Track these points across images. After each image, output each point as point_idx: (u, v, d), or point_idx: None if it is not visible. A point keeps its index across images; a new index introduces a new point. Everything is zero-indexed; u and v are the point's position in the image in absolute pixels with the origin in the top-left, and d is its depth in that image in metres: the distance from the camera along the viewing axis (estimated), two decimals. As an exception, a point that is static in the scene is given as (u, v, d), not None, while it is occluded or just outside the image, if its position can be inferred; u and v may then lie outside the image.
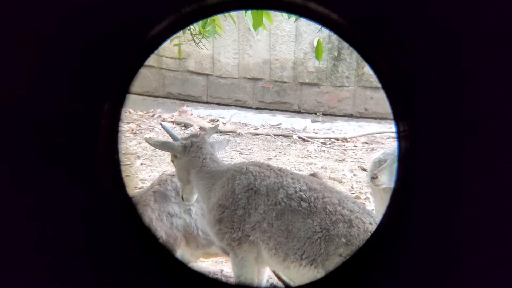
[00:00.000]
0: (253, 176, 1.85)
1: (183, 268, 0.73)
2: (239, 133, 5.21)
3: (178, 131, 5.28)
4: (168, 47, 6.27)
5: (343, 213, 1.66)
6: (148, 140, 2.14)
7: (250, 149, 4.78)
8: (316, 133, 5.38)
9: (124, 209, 0.71)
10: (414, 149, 0.66)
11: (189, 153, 2.02)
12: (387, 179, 2.23)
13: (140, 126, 5.33)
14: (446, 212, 0.67)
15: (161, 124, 2.33)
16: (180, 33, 2.89)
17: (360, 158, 4.63)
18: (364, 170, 4.19)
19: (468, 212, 0.66)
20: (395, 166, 2.31)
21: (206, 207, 2.00)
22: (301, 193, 1.75)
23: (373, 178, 2.25)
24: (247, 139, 5.07)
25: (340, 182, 4.06)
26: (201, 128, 5.32)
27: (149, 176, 3.98)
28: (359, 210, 1.69)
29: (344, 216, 1.65)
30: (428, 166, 0.66)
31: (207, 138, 2.12)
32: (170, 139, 2.19)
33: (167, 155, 4.66)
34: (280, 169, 1.89)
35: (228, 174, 1.91)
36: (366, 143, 5.08)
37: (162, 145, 2.16)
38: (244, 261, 1.82)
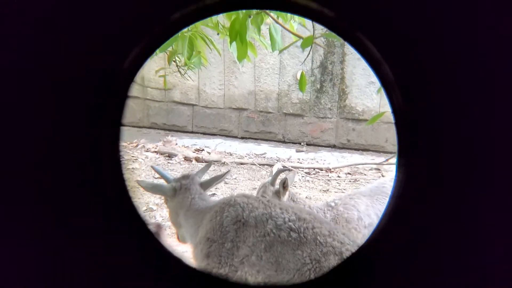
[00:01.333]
0: (241, 208, 1.82)
1: (186, 269, 0.72)
2: (224, 162, 5.19)
3: (162, 161, 5.22)
4: (154, 78, 6.32)
5: (333, 244, 1.63)
6: (139, 183, 2.12)
7: (235, 178, 4.76)
8: (301, 162, 5.41)
9: (126, 212, 0.70)
10: (411, 180, 0.66)
11: (178, 195, 2.04)
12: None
13: (123, 157, 5.25)
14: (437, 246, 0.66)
15: (152, 167, 2.33)
16: (166, 65, 2.93)
17: (344, 189, 4.65)
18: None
19: (465, 243, 0.66)
20: None
21: (193, 242, 1.97)
22: (290, 223, 1.72)
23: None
24: (232, 169, 5.05)
25: (325, 212, 4.05)
26: (186, 158, 5.28)
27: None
28: (349, 242, 1.66)
29: (335, 248, 1.62)
30: (423, 199, 0.66)
31: (199, 179, 2.13)
32: (163, 181, 2.20)
33: (150, 185, 4.59)
34: (268, 200, 1.88)
35: (216, 207, 1.90)
36: (349, 173, 5.14)
37: (152, 188, 2.16)
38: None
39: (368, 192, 2.64)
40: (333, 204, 2.54)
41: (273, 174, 2.65)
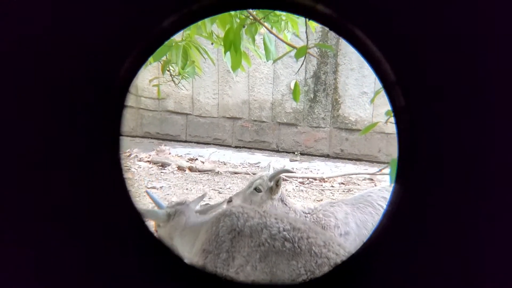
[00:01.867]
0: (236, 217, 1.81)
1: (186, 268, 0.71)
2: (218, 172, 5.17)
3: (155, 171, 5.18)
4: (147, 87, 6.31)
5: (328, 256, 1.61)
6: None
7: (229, 188, 4.73)
8: (295, 172, 5.41)
9: (128, 215, 0.69)
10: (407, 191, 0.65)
11: (172, 220, 2.08)
12: (240, 203, 2.48)
13: (122, 158, 5.20)
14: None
15: (147, 193, 2.34)
16: (159, 74, 2.93)
17: (337, 199, 4.66)
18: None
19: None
20: (249, 192, 2.53)
21: (189, 254, 1.96)
22: (284, 233, 1.71)
23: (229, 201, 2.53)
24: (226, 178, 5.03)
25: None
26: (179, 167, 5.25)
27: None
28: (344, 253, 1.64)
29: (330, 259, 1.60)
30: (423, 201, 0.65)
31: (193, 207, 2.16)
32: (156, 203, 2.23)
33: (142, 198, 4.54)
34: (264, 211, 1.87)
35: (212, 219, 1.90)
36: (342, 183, 5.14)
37: (146, 214, 2.19)
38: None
39: (351, 200, 2.68)
40: (312, 207, 2.60)
41: (275, 171, 2.69)
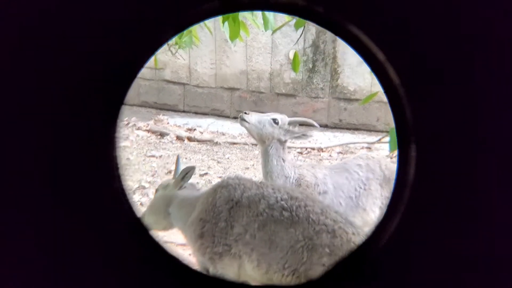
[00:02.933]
0: (233, 188, 1.86)
1: (184, 269, 0.73)
2: (216, 142, 5.19)
3: (153, 140, 5.20)
4: (144, 55, 6.19)
5: (326, 222, 1.67)
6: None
7: (228, 158, 4.78)
8: (293, 142, 5.44)
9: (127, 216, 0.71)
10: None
11: (178, 188, 2.15)
12: (254, 121, 2.53)
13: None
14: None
15: (177, 158, 2.39)
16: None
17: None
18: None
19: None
20: (266, 119, 2.53)
21: (184, 225, 2.02)
22: (282, 202, 1.76)
23: (245, 113, 2.56)
24: (225, 148, 5.06)
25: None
26: (178, 137, 5.26)
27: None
28: (342, 220, 1.70)
29: (328, 226, 1.66)
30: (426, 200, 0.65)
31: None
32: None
33: (141, 165, 4.58)
34: (261, 182, 1.92)
35: (209, 190, 1.95)
36: (340, 153, 5.19)
37: (160, 185, 2.29)
38: (223, 276, 1.82)
39: (329, 166, 2.80)
40: (298, 164, 2.67)
41: (298, 118, 2.67)
